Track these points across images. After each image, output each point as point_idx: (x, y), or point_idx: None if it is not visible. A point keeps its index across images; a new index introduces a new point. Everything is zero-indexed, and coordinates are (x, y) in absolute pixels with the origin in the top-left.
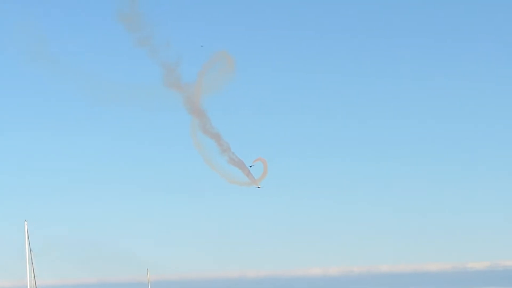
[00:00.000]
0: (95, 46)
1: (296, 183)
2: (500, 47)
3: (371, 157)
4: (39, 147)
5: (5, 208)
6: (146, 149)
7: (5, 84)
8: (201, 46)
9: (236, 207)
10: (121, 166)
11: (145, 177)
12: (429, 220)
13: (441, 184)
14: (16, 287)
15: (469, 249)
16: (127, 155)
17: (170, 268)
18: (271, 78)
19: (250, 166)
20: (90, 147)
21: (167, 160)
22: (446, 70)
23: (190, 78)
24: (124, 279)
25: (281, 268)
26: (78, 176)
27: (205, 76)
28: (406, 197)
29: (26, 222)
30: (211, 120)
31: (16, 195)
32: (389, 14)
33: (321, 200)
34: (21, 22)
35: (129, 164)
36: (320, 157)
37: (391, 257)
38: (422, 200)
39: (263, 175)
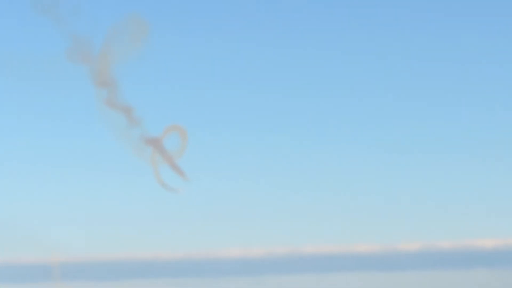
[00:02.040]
0: None
1: (215, 159)
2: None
3: (295, 132)
4: None
5: None
6: (49, 125)
7: None
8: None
9: (147, 183)
10: (23, 142)
11: (49, 154)
12: (357, 198)
13: (369, 161)
14: None
15: (400, 229)
16: (28, 132)
17: (77, 249)
18: (190, 45)
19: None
20: None
21: (71, 136)
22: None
23: (96, 46)
24: (27, 261)
25: (197, 249)
26: None
27: (113, 42)
28: (330, 172)
29: None
30: (120, 92)
31: None
32: None
33: (241, 177)
34: None
35: (31, 141)
36: (242, 132)
37: (316, 237)
38: (349, 176)
39: (182, 148)
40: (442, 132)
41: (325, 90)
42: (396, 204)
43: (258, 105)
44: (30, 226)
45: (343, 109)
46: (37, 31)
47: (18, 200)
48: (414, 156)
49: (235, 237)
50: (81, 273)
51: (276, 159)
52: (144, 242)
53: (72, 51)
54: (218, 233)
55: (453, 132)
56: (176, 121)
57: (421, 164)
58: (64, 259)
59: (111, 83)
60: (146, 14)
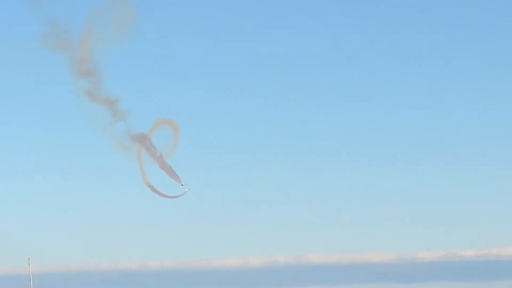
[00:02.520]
0: None
1: (212, 162)
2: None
3: (297, 135)
4: None
5: None
6: (22, 121)
7: None
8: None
9: (135, 186)
10: None
11: (23, 154)
12: (369, 202)
13: (384, 162)
14: None
15: (419, 237)
16: (3, 132)
17: (55, 258)
18: (182, 32)
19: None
20: None
21: (49, 134)
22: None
23: (76, 31)
24: (2, 271)
25: (191, 258)
26: None
27: (96, 27)
28: (338, 173)
29: None
30: (103, 83)
31: None
32: None
33: (239, 180)
34: None
35: (6, 143)
36: (240, 134)
37: (323, 245)
38: (360, 178)
39: (173, 146)
40: (465, 138)
41: (325, 91)
42: (414, 209)
43: (258, 105)
44: (6, 234)
45: (345, 114)
46: (8, 13)
47: None
48: (433, 160)
49: (232, 245)
50: (60, 284)
51: (277, 163)
52: (131, 251)
53: (48, 37)
54: (214, 241)
55: (476, 139)
56: (166, 116)
57: (442, 167)
58: (42, 269)
59: (93, 72)
60: None
